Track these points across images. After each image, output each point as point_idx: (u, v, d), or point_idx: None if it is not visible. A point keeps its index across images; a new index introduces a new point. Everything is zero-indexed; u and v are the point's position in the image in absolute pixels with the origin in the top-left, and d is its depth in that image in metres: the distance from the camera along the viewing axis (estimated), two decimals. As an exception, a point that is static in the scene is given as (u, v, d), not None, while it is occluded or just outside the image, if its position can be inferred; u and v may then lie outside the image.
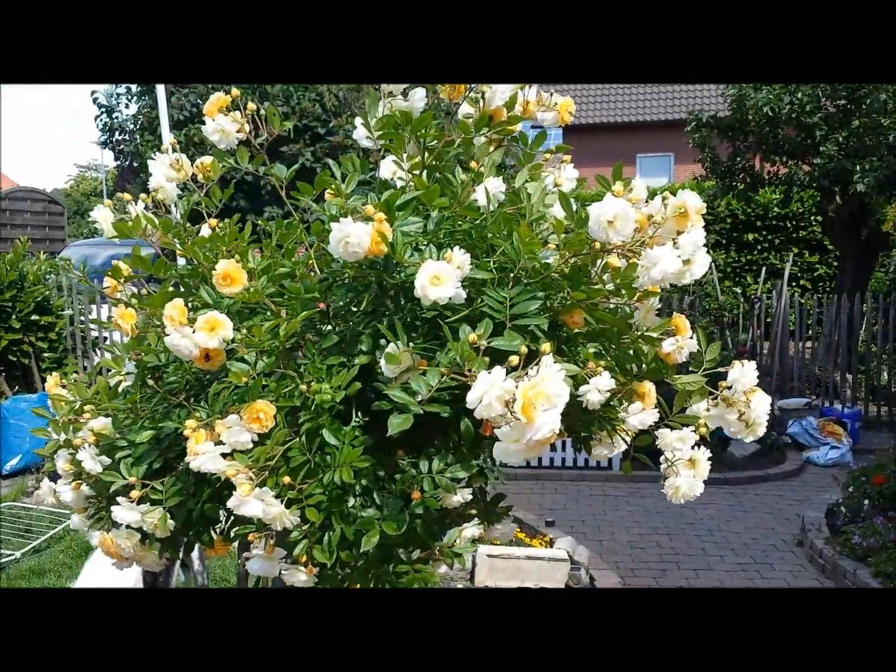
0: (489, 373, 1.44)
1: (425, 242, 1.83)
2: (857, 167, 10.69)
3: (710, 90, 22.43)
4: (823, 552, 6.49)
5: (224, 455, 1.66)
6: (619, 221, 1.65)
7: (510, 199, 1.99)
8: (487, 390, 1.41)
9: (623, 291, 1.80)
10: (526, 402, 1.38)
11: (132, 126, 13.27)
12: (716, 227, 17.23)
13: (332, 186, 1.83)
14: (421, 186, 1.86)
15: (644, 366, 1.95)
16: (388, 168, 2.09)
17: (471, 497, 1.82)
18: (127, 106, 13.80)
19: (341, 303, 1.84)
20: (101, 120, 13.89)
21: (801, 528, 7.10)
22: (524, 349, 1.54)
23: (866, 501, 6.78)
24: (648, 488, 8.49)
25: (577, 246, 1.71)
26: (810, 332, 12.53)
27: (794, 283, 16.54)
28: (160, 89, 9.15)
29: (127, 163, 14.25)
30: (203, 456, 1.64)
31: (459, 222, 1.95)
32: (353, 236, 1.62)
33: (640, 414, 1.86)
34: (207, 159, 2.15)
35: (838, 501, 7.07)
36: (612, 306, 1.88)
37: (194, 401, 1.90)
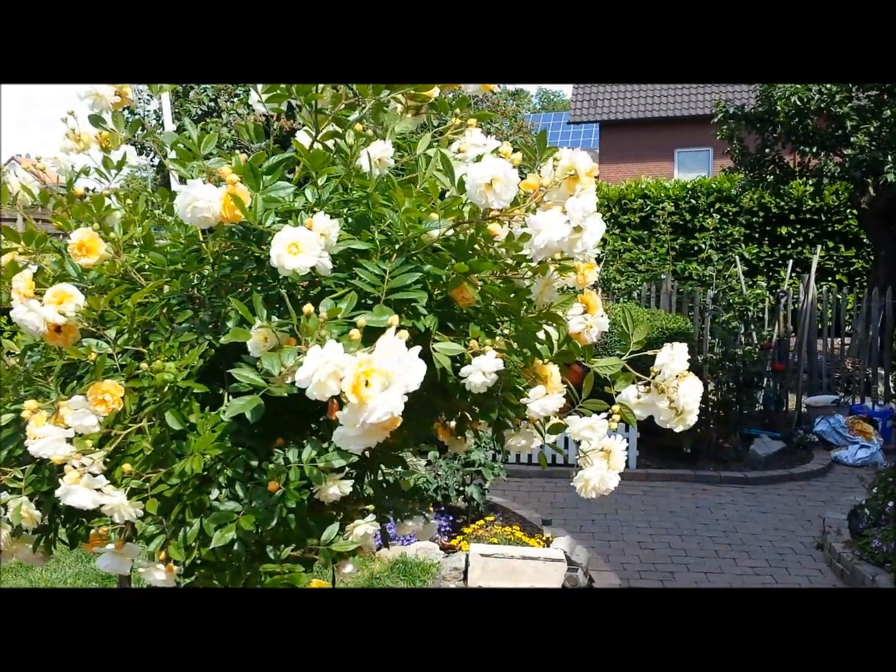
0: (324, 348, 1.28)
1: (315, 212, 1.67)
2: (889, 157, 10.35)
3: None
4: (842, 556, 6.22)
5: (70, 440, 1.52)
6: (499, 185, 1.48)
7: (410, 166, 1.84)
8: (319, 367, 1.25)
9: (514, 264, 1.63)
10: (356, 379, 1.21)
11: (154, 121, 13.28)
12: (747, 219, 16.87)
13: (186, 146, 1.67)
14: (302, 151, 1.71)
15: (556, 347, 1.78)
16: (304, 139, 1.94)
17: (350, 490, 1.66)
18: (148, 102, 13.82)
19: (214, 276, 1.69)
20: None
21: (822, 531, 6.83)
22: (393, 320, 1.38)
23: (891, 503, 6.50)
24: (664, 487, 8.28)
25: (453, 213, 1.54)
26: (848, 327, 12.19)
27: (829, 278, 16.14)
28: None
29: (150, 158, 14.27)
30: (42, 440, 1.50)
31: (356, 192, 1.80)
32: (202, 200, 1.47)
33: (542, 399, 1.68)
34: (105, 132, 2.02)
35: (862, 503, 6.79)
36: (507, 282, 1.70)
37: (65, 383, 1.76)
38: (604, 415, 1.77)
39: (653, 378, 1.81)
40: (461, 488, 6.33)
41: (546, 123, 36.08)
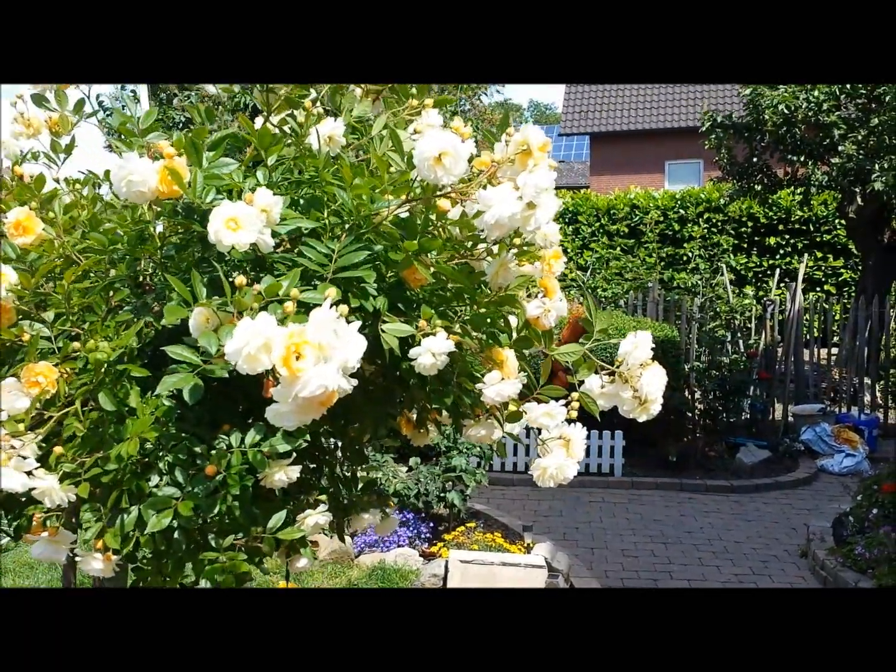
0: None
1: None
2: (877, 166, 10.34)
3: (734, 91, 22.06)
4: (826, 563, 6.17)
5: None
6: (448, 159, 1.43)
7: (365, 146, 1.79)
8: (250, 339, 1.19)
9: (469, 245, 1.58)
10: (286, 351, 1.16)
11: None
12: (735, 228, 16.86)
13: (123, 124, 1.62)
14: (249, 128, 1.66)
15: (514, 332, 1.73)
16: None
17: (297, 476, 1.60)
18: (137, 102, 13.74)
19: (159, 259, 1.63)
20: (106, 123, 13.80)
21: (807, 538, 6.78)
22: (330, 292, 1.33)
23: (874, 511, 6.45)
24: (649, 496, 8.22)
25: (402, 189, 1.49)
26: (835, 337, 12.16)
27: (818, 288, 16.13)
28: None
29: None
30: (-31, 424, 1.44)
31: (309, 173, 1.75)
32: (137, 174, 1.42)
33: (498, 385, 1.63)
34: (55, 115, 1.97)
35: (847, 511, 6.74)
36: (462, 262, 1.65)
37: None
38: (562, 402, 1.71)
39: (617, 367, 1.76)
40: (442, 494, 6.27)
41: (538, 136, 36.13)
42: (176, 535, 1.56)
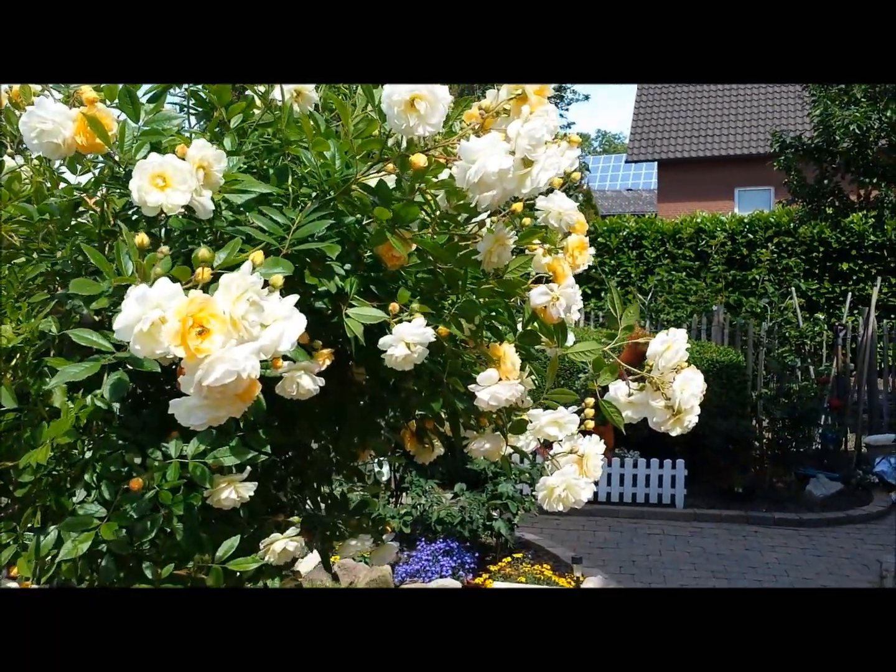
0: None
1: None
2: (955, 187, 9.84)
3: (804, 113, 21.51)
4: (901, 603, 5.71)
5: None
6: (422, 104, 1.17)
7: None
8: (146, 312, 0.93)
9: (460, 218, 1.31)
10: (182, 325, 0.90)
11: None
12: (803, 250, 16.30)
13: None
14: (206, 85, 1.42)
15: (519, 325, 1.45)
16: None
17: (251, 495, 1.33)
18: None
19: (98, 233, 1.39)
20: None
21: (879, 575, 6.32)
22: (256, 255, 1.07)
23: (954, 548, 5.99)
24: (713, 528, 7.79)
25: (367, 144, 1.23)
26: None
27: (892, 315, 15.46)
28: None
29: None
30: None
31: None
32: (49, 122, 1.18)
33: (494, 386, 1.35)
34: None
35: (924, 547, 6.29)
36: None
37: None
38: (574, 408, 1.43)
39: (647, 371, 1.48)
40: (488, 523, 5.95)
41: (606, 165, 35.89)
42: (104, 561, 1.30)
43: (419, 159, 1.19)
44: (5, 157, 1.64)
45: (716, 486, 8.59)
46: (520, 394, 1.38)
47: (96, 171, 1.45)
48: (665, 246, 17.11)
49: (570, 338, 1.57)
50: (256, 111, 1.52)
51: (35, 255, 1.41)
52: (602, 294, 15.93)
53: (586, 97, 35.99)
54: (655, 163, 24.22)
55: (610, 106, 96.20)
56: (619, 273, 17.09)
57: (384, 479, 6.17)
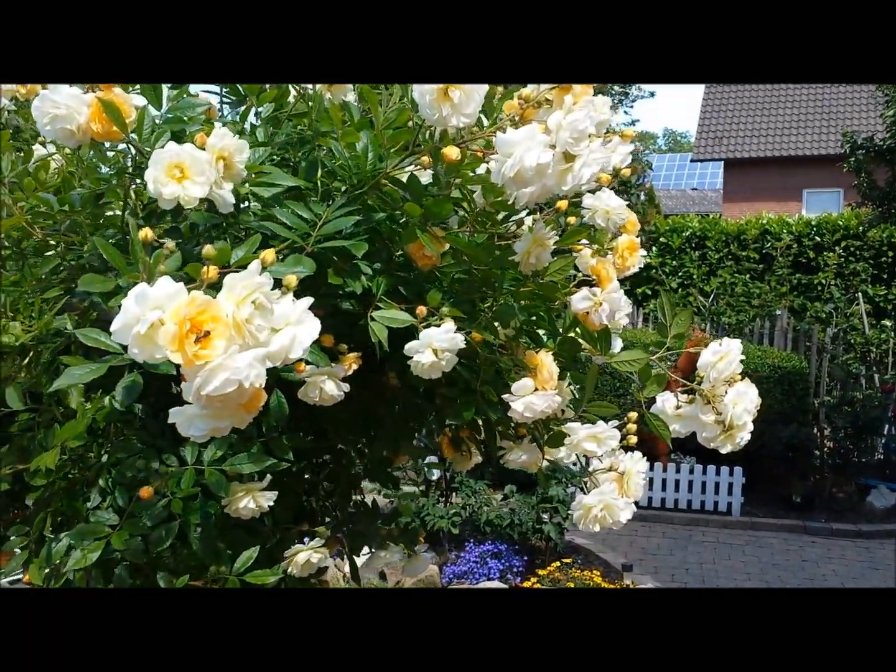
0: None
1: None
2: None
3: (877, 113, 20.92)
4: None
5: None
6: (458, 93, 1.09)
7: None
8: (144, 313, 0.87)
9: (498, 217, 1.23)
10: (180, 328, 0.83)
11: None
12: (871, 254, 15.85)
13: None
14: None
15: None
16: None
17: (271, 504, 1.27)
18: None
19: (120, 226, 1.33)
20: None
21: (943, 593, 6.10)
22: (267, 254, 1.00)
23: None
24: (769, 537, 7.60)
25: (399, 135, 1.15)
26: None
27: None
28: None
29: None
30: None
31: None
32: (63, 107, 1.12)
33: (529, 397, 1.26)
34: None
35: None
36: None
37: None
38: (614, 422, 1.34)
39: (697, 383, 1.38)
40: (538, 526, 5.85)
41: (672, 164, 35.38)
42: (118, 570, 1.25)
43: (451, 152, 1.11)
44: (36, 146, 1.60)
45: (774, 495, 8.40)
46: (556, 405, 1.29)
47: (127, 161, 1.40)
48: (729, 247, 16.74)
49: (618, 344, 1.49)
50: (291, 100, 1.45)
51: (59, 249, 1.36)
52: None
53: (652, 94, 35.41)
54: (722, 162, 23.79)
55: (677, 104, 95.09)
56: (680, 274, 16.75)
57: (434, 478, 6.11)
